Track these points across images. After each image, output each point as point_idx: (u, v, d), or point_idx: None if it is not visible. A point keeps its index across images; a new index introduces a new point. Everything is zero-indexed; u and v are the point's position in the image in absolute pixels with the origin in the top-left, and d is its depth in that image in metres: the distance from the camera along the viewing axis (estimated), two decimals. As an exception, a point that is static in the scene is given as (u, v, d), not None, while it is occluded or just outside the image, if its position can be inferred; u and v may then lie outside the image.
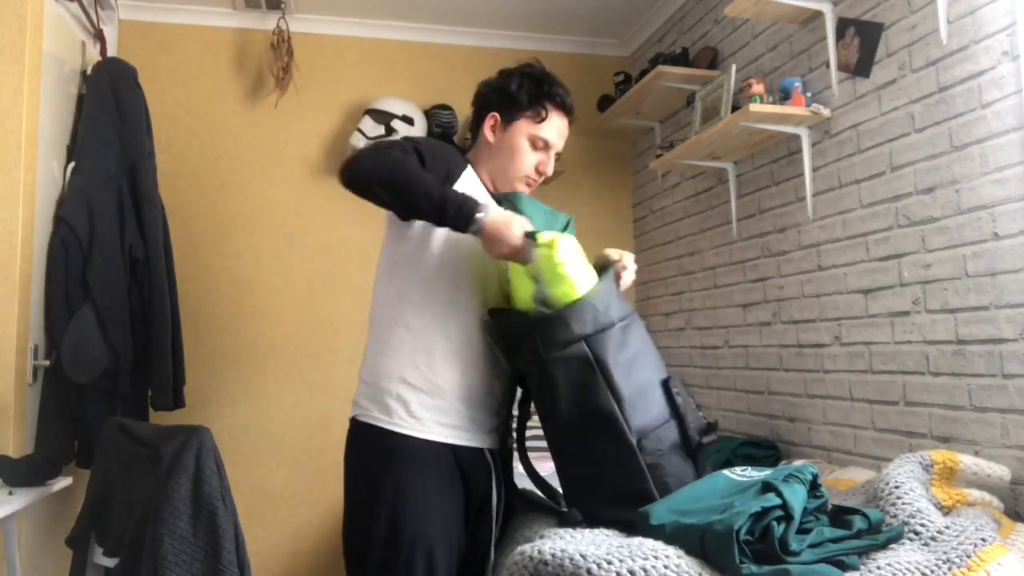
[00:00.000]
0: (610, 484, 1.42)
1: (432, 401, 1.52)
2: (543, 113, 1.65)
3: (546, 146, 1.67)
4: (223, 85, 3.33)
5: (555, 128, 1.67)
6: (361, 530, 1.51)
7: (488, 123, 1.67)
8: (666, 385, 1.47)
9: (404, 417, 1.51)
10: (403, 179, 1.44)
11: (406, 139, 1.57)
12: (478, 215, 1.41)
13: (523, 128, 1.65)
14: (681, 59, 2.99)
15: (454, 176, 1.57)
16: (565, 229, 1.54)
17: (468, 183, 1.61)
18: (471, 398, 1.55)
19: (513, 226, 1.43)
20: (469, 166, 1.66)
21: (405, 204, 1.48)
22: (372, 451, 1.52)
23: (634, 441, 1.39)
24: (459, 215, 1.42)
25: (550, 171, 1.70)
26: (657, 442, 1.41)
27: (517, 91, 1.65)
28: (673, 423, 1.46)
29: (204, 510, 1.77)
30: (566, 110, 1.69)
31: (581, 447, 1.46)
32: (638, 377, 1.44)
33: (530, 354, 1.46)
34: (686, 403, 1.48)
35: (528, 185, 1.69)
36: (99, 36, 2.80)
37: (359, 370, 1.62)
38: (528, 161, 1.66)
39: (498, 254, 1.45)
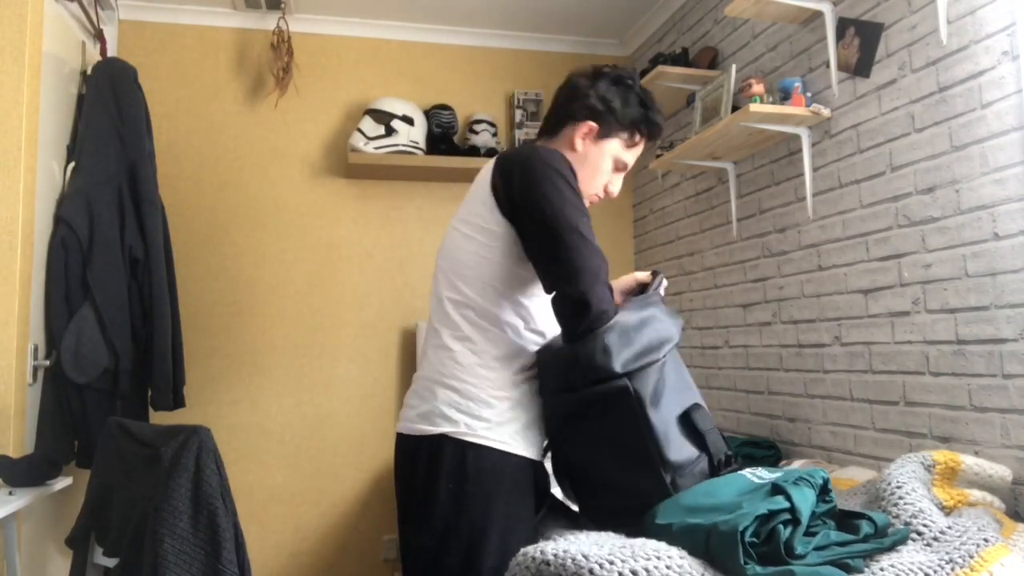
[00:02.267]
0: (632, 507, 1.36)
1: (530, 418, 1.46)
2: (637, 138, 1.59)
3: (624, 169, 1.61)
4: (223, 85, 3.33)
5: (638, 154, 1.62)
6: (466, 556, 1.39)
7: (582, 130, 1.55)
8: (688, 417, 1.39)
9: (508, 433, 1.42)
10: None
11: (577, 204, 1.41)
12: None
13: (614, 148, 1.57)
14: (681, 59, 2.99)
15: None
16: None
17: None
18: (544, 414, 1.51)
19: None
20: None
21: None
22: (476, 471, 1.40)
23: (669, 480, 1.33)
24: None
25: (615, 194, 1.64)
26: (690, 479, 1.36)
27: (622, 108, 1.55)
28: (704, 457, 1.39)
29: (204, 510, 1.77)
30: (655, 139, 1.63)
31: (605, 471, 1.42)
32: (676, 411, 1.38)
33: (567, 385, 1.40)
34: (712, 432, 1.42)
35: (591, 203, 1.61)
36: (99, 36, 2.80)
37: (437, 379, 1.47)
38: (604, 181, 1.60)
39: None
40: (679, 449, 1.34)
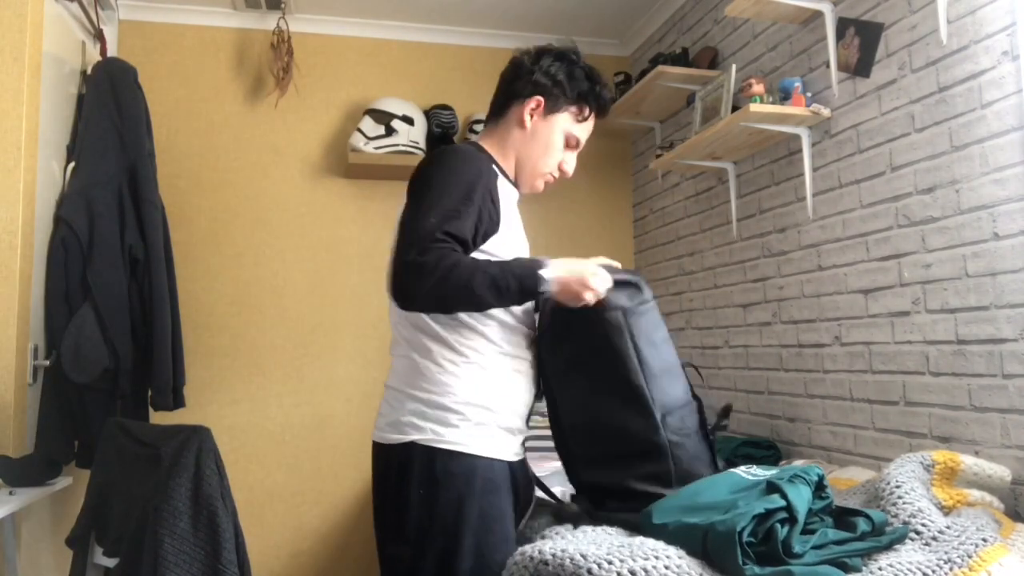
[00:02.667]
0: (630, 456, 1.43)
1: (501, 419, 1.47)
2: (586, 112, 1.58)
3: (576, 145, 1.61)
4: (223, 85, 3.33)
5: (589, 129, 1.62)
6: (440, 560, 1.39)
7: (529, 105, 1.55)
8: (685, 368, 1.51)
9: (476, 437, 1.43)
10: (460, 295, 1.33)
11: (462, 190, 1.42)
12: (541, 288, 1.35)
13: (563, 121, 1.57)
14: (681, 59, 2.99)
15: (495, 195, 1.47)
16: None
17: (506, 197, 1.51)
18: (524, 413, 1.54)
19: (587, 281, 1.38)
20: (493, 165, 1.54)
21: (477, 307, 1.41)
22: (446, 475, 1.40)
23: (658, 416, 1.42)
24: (522, 293, 1.36)
25: (571, 172, 1.63)
26: (680, 422, 1.45)
27: (567, 81, 1.55)
28: (694, 405, 1.50)
29: (204, 510, 1.77)
30: (604, 113, 1.62)
31: (603, 417, 1.47)
32: (665, 355, 1.47)
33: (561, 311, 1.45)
34: (702, 391, 1.54)
35: (546, 183, 1.62)
36: (99, 36, 2.80)
37: (403, 389, 1.49)
38: (557, 157, 1.59)
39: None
40: (669, 386, 1.46)
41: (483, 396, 1.45)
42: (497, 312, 1.47)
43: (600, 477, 1.50)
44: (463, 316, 1.46)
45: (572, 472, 1.60)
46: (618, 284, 1.45)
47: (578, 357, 1.48)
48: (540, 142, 1.56)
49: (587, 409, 1.50)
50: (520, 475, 1.54)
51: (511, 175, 1.59)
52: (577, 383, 1.50)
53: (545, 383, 1.57)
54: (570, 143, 1.59)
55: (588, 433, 1.51)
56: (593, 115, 1.60)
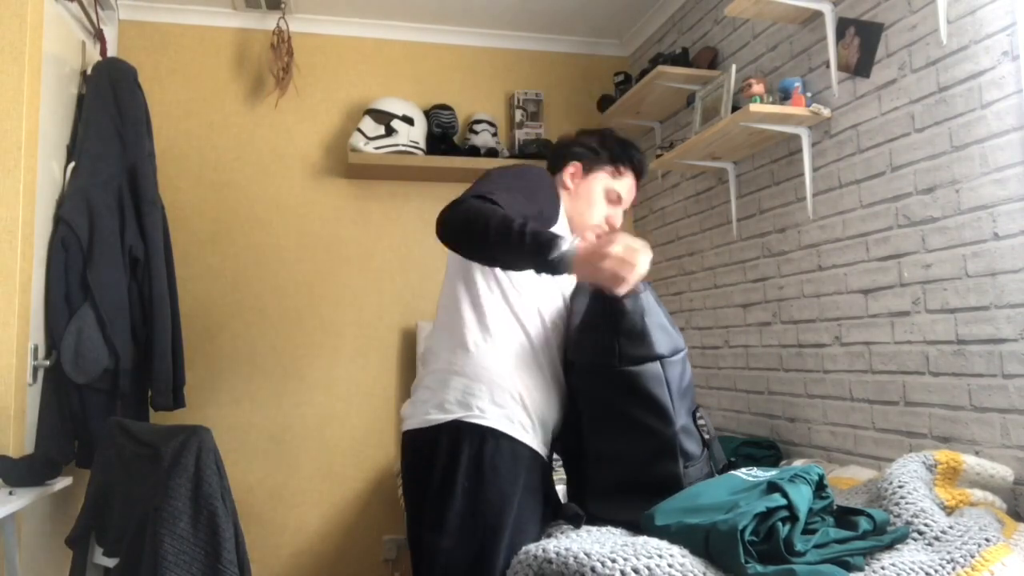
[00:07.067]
0: (650, 495, 1.42)
1: (539, 411, 1.51)
2: (621, 169, 1.75)
3: (618, 200, 1.74)
4: (223, 85, 3.33)
5: (628, 186, 1.76)
6: (477, 557, 1.40)
7: (568, 171, 1.72)
8: (694, 415, 1.53)
9: (520, 418, 1.47)
10: (475, 224, 1.36)
11: (513, 173, 1.55)
12: (556, 251, 1.29)
13: (601, 179, 1.72)
14: (681, 59, 2.99)
15: (552, 220, 1.57)
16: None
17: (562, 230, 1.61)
18: (557, 421, 1.57)
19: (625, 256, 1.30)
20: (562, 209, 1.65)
21: (496, 261, 1.43)
22: (492, 469, 1.42)
23: (682, 466, 1.43)
24: (543, 260, 1.32)
25: (618, 224, 1.74)
26: (698, 472, 1.47)
27: (599, 147, 1.74)
28: (706, 454, 1.52)
29: (204, 510, 1.77)
30: (640, 173, 1.78)
31: (629, 458, 1.47)
32: (689, 404, 1.52)
33: (599, 361, 1.47)
34: (712, 435, 1.57)
35: (597, 236, 1.65)
36: (99, 36, 2.80)
37: (445, 371, 1.51)
38: (601, 212, 1.72)
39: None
40: (687, 441, 1.47)
41: (528, 385, 1.49)
42: (544, 313, 1.54)
43: (613, 512, 1.49)
44: (513, 304, 1.52)
45: (581, 496, 1.59)
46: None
47: (613, 405, 1.48)
48: (583, 199, 1.72)
49: (615, 447, 1.50)
50: (548, 473, 1.57)
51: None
52: (615, 425, 1.49)
53: (575, 414, 1.58)
54: (611, 197, 1.73)
55: (613, 467, 1.51)
56: (629, 174, 1.76)
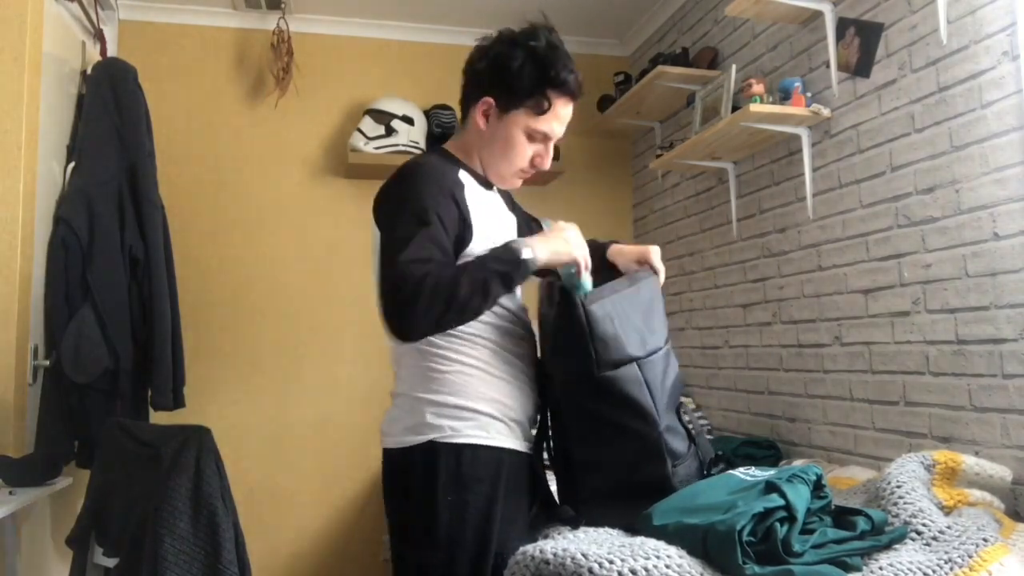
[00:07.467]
0: (640, 498, 1.41)
1: (513, 414, 1.47)
2: (545, 104, 1.45)
3: (545, 138, 1.49)
4: (223, 85, 3.33)
5: (557, 118, 1.48)
6: (474, 564, 1.39)
7: (480, 108, 1.46)
8: (678, 411, 1.49)
9: (493, 429, 1.43)
10: (452, 312, 1.29)
11: (415, 220, 1.34)
12: (523, 261, 1.33)
13: (520, 121, 1.46)
14: (681, 59, 2.99)
15: (463, 204, 1.41)
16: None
17: (477, 201, 1.45)
18: (532, 416, 1.54)
19: (567, 244, 1.40)
20: (462, 171, 1.47)
21: (475, 313, 1.36)
22: (473, 477, 1.40)
23: (669, 466, 1.41)
24: (514, 276, 1.33)
25: (547, 165, 1.53)
26: (687, 469, 1.44)
27: (518, 73, 1.43)
28: (693, 449, 1.49)
29: (204, 510, 1.77)
30: (572, 96, 1.49)
31: (616, 463, 1.45)
32: (675, 402, 1.48)
33: (574, 372, 1.44)
34: (698, 429, 1.55)
35: (521, 179, 1.57)
36: (99, 36, 2.80)
37: (414, 394, 1.49)
38: (524, 155, 1.49)
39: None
40: (672, 440, 1.44)
41: (494, 393, 1.45)
42: (492, 319, 1.46)
43: (607, 519, 1.48)
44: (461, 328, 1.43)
45: (574, 505, 1.57)
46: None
47: (596, 413, 1.45)
48: (498, 143, 1.48)
49: (603, 455, 1.47)
50: (535, 468, 1.55)
51: (481, 173, 1.54)
52: (600, 433, 1.47)
53: (555, 416, 1.56)
54: (535, 137, 1.48)
55: (602, 474, 1.49)
56: (558, 103, 1.46)
